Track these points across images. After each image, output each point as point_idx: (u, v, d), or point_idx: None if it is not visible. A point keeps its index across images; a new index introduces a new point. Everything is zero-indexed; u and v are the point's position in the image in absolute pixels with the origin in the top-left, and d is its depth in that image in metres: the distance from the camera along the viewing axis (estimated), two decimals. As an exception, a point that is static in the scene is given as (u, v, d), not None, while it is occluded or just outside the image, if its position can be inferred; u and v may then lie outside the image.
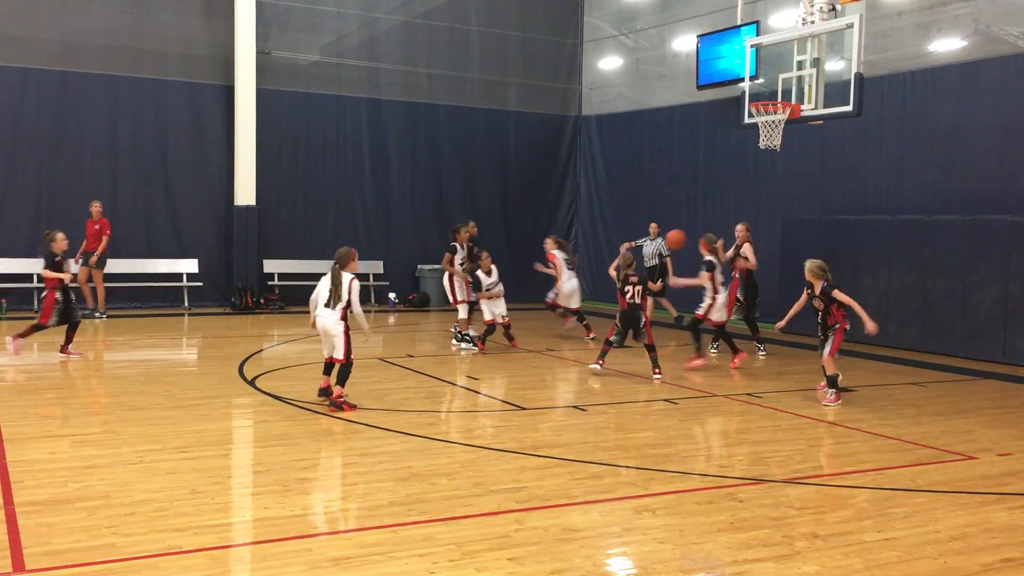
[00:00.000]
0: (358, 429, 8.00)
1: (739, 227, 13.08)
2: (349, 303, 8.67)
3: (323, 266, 18.76)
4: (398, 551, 5.00)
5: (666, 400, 9.68)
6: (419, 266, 19.92)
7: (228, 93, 18.07)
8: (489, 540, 5.22)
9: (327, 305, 8.68)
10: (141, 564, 4.76)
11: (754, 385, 10.65)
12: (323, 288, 8.75)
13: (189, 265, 18.05)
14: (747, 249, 12.90)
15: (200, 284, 18.07)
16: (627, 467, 6.95)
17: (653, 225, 16.74)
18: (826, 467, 7.04)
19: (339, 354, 8.69)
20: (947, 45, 14.21)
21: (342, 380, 8.70)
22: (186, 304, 17.82)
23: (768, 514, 5.82)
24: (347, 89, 19.36)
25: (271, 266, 18.62)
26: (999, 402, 10.08)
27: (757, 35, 14.35)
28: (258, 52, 18.10)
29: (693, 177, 18.72)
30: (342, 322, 8.68)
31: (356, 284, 8.72)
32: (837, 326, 9.58)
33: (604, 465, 6.98)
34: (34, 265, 16.51)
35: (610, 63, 21.24)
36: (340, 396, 8.68)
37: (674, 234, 12.78)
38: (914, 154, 14.53)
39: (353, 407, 8.69)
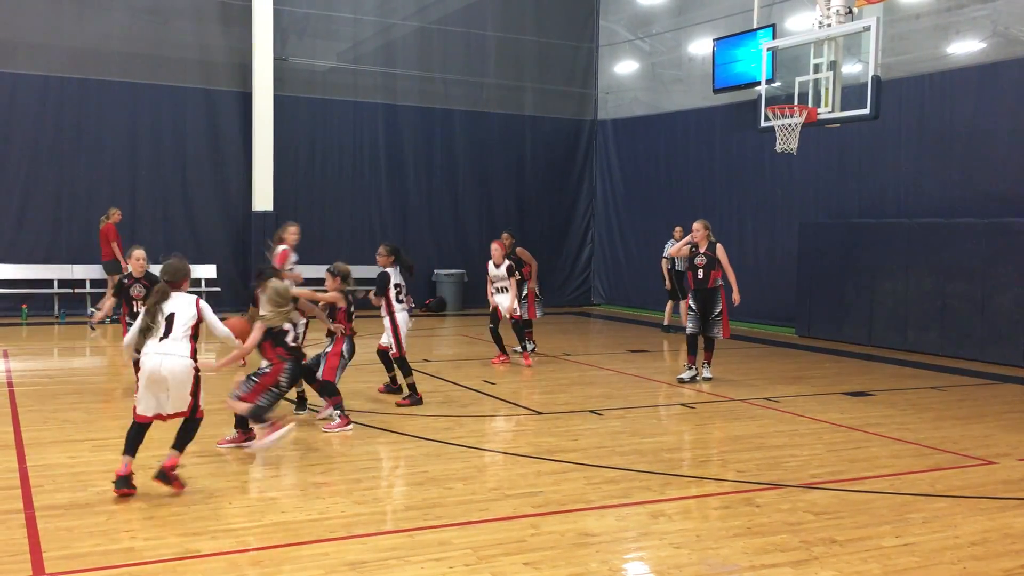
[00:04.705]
0: (374, 434, 8.02)
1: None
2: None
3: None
4: (414, 555, 5.01)
5: (683, 404, 9.66)
6: (435, 271, 19.94)
7: (246, 99, 18.18)
8: (505, 545, 5.22)
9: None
10: (160, 568, 4.79)
11: (771, 389, 10.61)
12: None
13: (207, 270, 18.15)
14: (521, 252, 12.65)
15: (218, 289, 18.16)
16: (643, 471, 6.94)
17: (678, 228, 15.92)
18: (844, 472, 7.00)
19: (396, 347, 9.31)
20: (965, 47, 14.12)
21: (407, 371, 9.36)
22: (204, 309, 17.89)
23: (785, 519, 5.79)
24: (364, 95, 19.44)
25: (289, 271, 18.69)
26: (1019, 406, 10.00)
27: (773, 38, 14.30)
28: (275, 59, 18.19)
29: (709, 181, 18.67)
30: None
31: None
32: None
33: (620, 470, 6.97)
34: (54, 271, 16.72)
35: (626, 67, 21.23)
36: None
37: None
38: (932, 157, 14.43)
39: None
